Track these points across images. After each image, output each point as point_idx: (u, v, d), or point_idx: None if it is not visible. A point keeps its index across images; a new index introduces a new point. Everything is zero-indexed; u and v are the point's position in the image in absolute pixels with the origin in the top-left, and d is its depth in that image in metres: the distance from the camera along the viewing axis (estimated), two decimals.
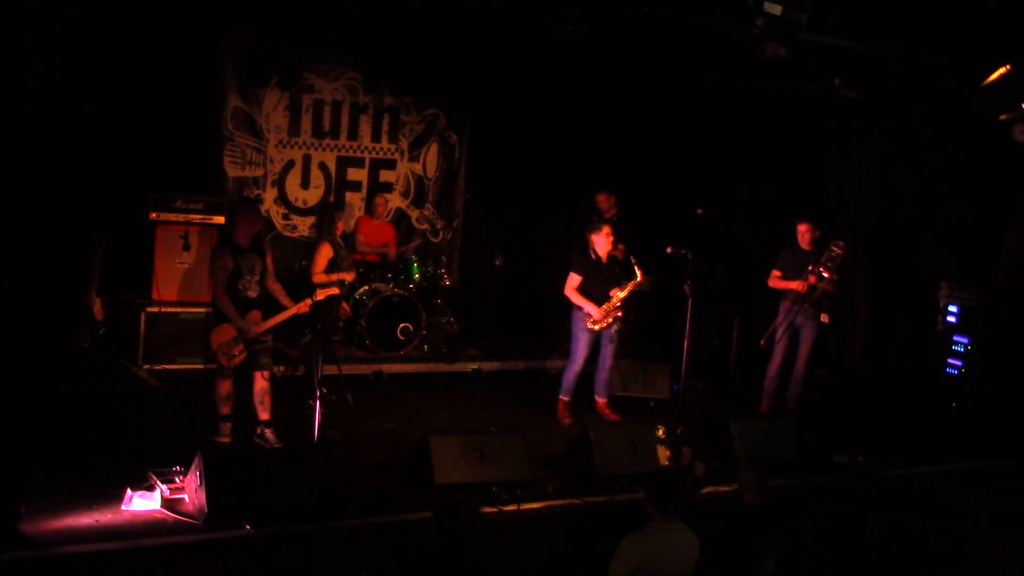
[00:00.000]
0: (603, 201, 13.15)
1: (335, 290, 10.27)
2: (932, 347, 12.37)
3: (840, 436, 11.21)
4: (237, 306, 9.25)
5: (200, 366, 11.60)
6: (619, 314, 10.95)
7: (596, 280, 10.94)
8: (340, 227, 10.91)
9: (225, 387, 9.44)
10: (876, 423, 12.00)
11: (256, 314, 9.34)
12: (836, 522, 8.63)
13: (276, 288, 9.55)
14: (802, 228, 11.74)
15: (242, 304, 9.28)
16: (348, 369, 11.30)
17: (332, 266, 10.55)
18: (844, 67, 11.72)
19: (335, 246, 10.66)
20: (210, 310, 11.67)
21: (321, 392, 9.21)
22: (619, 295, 10.87)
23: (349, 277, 10.76)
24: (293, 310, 9.43)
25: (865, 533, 8.53)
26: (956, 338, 12.10)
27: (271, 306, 9.54)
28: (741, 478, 7.50)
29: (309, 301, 9.57)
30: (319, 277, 10.90)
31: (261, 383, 9.49)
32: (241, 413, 9.64)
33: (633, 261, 11.02)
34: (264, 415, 9.51)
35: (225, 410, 9.49)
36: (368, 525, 8.16)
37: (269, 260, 9.55)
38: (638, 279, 10.95)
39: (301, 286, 10.56)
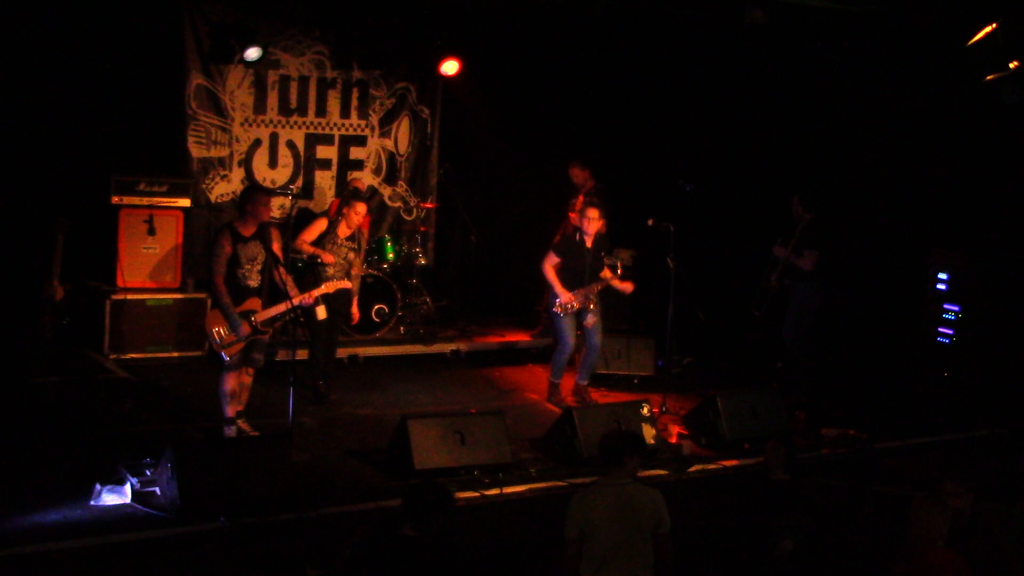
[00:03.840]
0: (577, 174, 13.06)
1: (347, 283, 10.16)
2: (922, 316, 12.38)
3: (830, 409, 11.23)
4: (236, 294, 9.04)
5: (170, 354, 11.54)
6: (591, 306, 10.88)
7: (575, 263, 10.88)
8: (354, 218, 10.66)
9: (230, 383, 9.18)
10: (866, 395, 12.03)
11: (256, 302, 9.15)
12: (828, 497, 8.65)
13: (286, 279, 9.22)
14: (793, 199, 11.78)
15: (241, 292, 9.08)
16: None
17: (319, 242, 10.49)
18: (827, 30, 11.69)
19: (332, 228, 10.55)
20: (179, 296, 11.75)
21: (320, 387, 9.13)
22: (595, 288, 10.84)
23: (328, 259, 10.54)
24: (296, 300, 9.18)
25: (858, 508, 8.55)
26: (947, 306, 12.11)
27: (278, 297, 9.27)
28: (769, 452, 7.45)
29: (315, 293, 9.51)
30: (303, 244, 10.65)
31: (245, 378, 9.36)
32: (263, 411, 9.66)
33: (618, 262, 11.00)
34: (238, 407, 9.39)
35: (231, 411, 9.21)
36: (347, 513, 8.15)
37: (277, 248, 9.23)
38: (608, 279, 10.88)
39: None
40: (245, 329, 9.02)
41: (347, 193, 12.04)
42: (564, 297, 10.79)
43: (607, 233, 11.45)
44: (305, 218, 13.12)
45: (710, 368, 12.88)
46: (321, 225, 10.62)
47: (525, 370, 12.62)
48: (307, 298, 9.40)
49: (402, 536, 5.91)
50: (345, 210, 10.70)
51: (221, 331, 9.04)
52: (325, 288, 9.63)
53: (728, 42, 12.79)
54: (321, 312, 10.25)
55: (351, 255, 10.79)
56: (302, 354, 10.02)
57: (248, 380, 9.39)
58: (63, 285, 10.85)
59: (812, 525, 7.25)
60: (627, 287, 10.98)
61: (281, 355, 11.08)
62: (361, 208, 10.72)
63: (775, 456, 7.38)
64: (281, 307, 9.14)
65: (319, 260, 10.51)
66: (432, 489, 6.16)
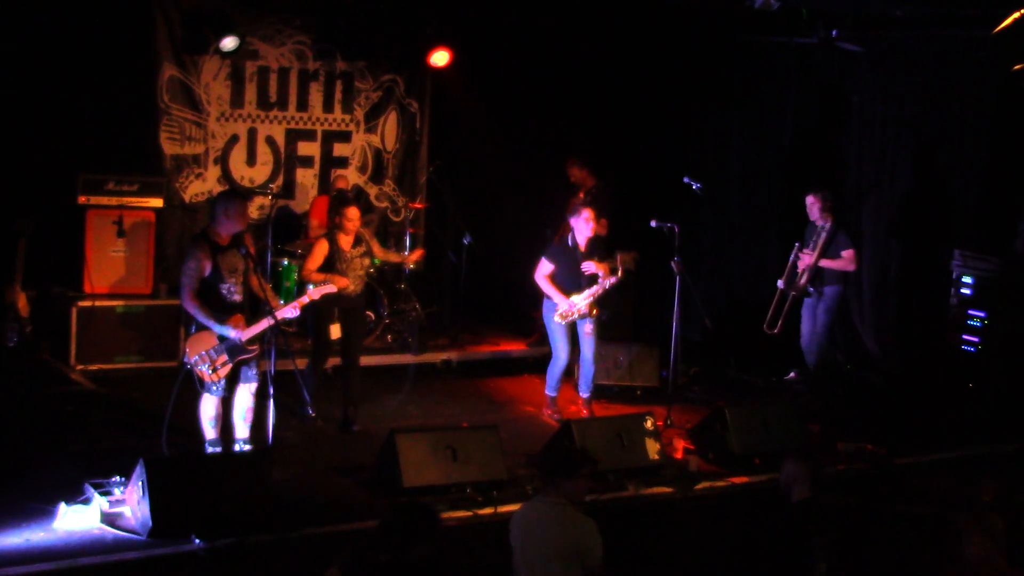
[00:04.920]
0: (575, 173, 13.04)
1: (332, 288, 9.69)
2: (945, 322, 12.36)
3: (846, 422, 11.21)
4: (221, 312, 8.76)
5: (142, 364, 11.48)
6: (594, 312, 10.83)
7: (571, 269, 10.82)
8: (348, 226, 10.27)
9: (213, 408, 9.01)
10: (886, 407, 12.01)
11: (240, 319, 8.86)
12: (843, 517, 8.61)
13: (266, 287, 9.06)
14: (808, 200, 11.74)
15: (226, 310, 8.81)
16: (304, 364, 11.22)
17: (328, 266, 10.16)
18: (842, 17, 11.68)
19: (334, 244, 10.19)
20: (150, 303, 11.67)
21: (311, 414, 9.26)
22: (598, 292, 10.76)
23: (342, 283, 10.01)
24: (282, 312, 9.00)
25: (875, 527, 8.51)
26: (972, 312, 12.09)
27: (259, 308, 9.08)
28: (787, 470, 7.42)
29: (302, 302, 9.30)
30: (311, 274, 10.18)
31: (247, 398, 9.17)
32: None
33: (619, 259, 10.93)
34: (245, 432, 9.24)
35: (212, 434, 9.07)
36: (331, 534, 8.10)
37: (252, 253, 9.03)
38: (618, 276, 10.82)
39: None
40: (235, 332, 8.76)
41: (333, 200, 11.92)
42: (564, 305, 10.73)
43: (608, 235, 11.43)
44: (285, 218, 13.13)
45: (718, 378, 12.85)
46: (323, 248, 10.21)
47: (521, 381, 12.58)
48: (292, 309, 9.21)
49: (376, 563, 5.80)
50: (337, 220, 10.38)
51: (211, 353, 8.83)
52: (309, 296, 9.49)
53: (738, 31, 12.77)
54: (335, 331, 10.09)
55: (365, 261, 10.48)
56: (283, 365, 9.94)
57: (252, 400, 9.20)
58: (26, 292, 10.82)
59: (843, 544, 7.21)
60: (602, 267, 10.78)
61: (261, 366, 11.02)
62: (353, 213, 10.32)
63: (797, 474, 7.34)
64: (264, 323, 8.88)
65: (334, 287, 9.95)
66: (415, 511, 6.08)
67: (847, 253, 11.60)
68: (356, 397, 10.54)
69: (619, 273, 10.82)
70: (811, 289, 11.86)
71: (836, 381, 12.40)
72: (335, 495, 8.83)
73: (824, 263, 11.69)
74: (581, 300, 10.73)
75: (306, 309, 9.48)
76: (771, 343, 12.40)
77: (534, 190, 14.12)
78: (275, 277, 12.16)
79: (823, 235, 11.71)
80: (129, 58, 12.19)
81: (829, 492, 8.74)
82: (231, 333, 8.78)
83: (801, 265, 11.89)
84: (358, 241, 10.44)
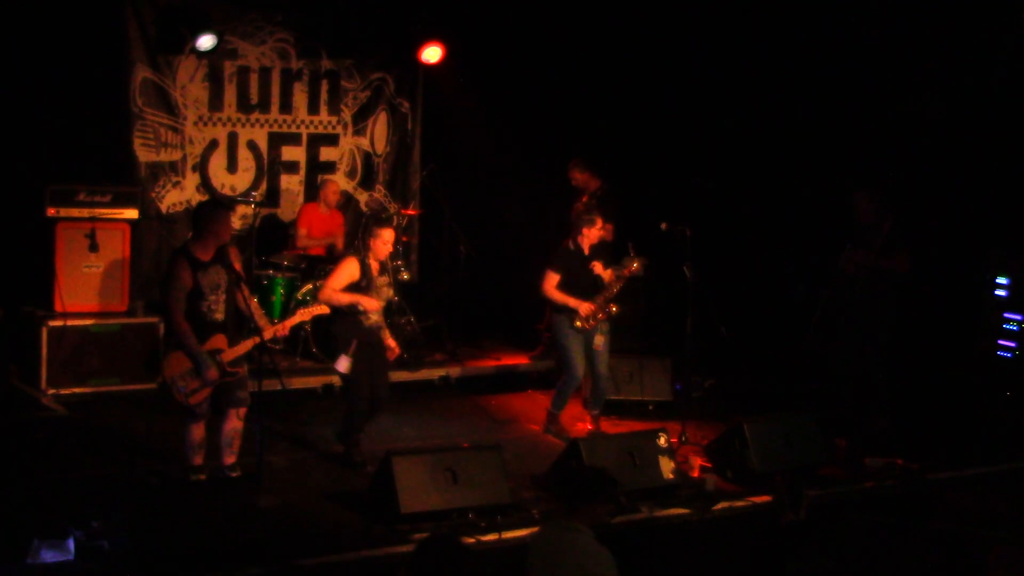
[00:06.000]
0: (578, 175, 13.02)
1: (324, 309, 9.60)
2: (979, 327, 12.33)
3: (875, 436, 11.18)
4: (200, 331, 8.81)
5: (116, 387, 11.45)
6: (613, 309, 10.85)
7: (579, 274, 10.84)
8: (382, 248, 9.88)
9: (197, 433, 9.05)
10: (917, 419, 11.97)
11: (221, 339, 8.92)
12: (874, 537, 8.60)
13: (251, 302, 9.07)
14: (857, 196, 11.68)
15: (206, 328, 8.86)
16: (294, 383, 11.23)
17: (354, 290, 9.93)
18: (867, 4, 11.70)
19: (365, 268, 9.82)
20: (126, 321, 11.63)
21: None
22: (613, 289, 10.79)
23: (373, 305, 9.75)
24: (270, 332, 9.02)
25: (908, 548, 8.50)
26: (1008, 315, 12.07)
27: (244, 326, 9.12)
28: (778, 491, 7.44)
29: (288, 323, 9.32)
30: (329, 293, 9.76)
31: (234, 422, 9.17)
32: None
33: (629, 246, 10.93)
34: (230, 459, 9.24)
35: (197, 460, 9.11)
36: (324, 565, 8.05)
37: (239, 269, 9.03)
38: (635, 266, 10.84)
39: None
40: (213, 374, 8.82)
41: (367, 219, 11.79)
42: (584, 307, 10.73)
43: (614, 240, 11.41)
44: (271, 228, 13.11)
45: (735, 391, 12.83)
46: (351, 268, 9.82)
47: (524, 397, 12.57)
48: (280, 329, 9.21)
49: None
50: (371, 241, 9.96)
51: (185, 377, 8.84)
52: (300, 316, 9.46)
53: (755, 15, 12.76)
54: (343, 365, 9.88)
55: (388, 292, 10.24)
56: (270, 384, 9.90)
57: (240, 424, 9.20)
58: None
59: (833, 572, 7.21)
60: (606, 273, 10.89)
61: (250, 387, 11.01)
62: (389, 235, 9.91)
63: (783, 495, 7.37)
64: (249, 343, 8.92)
65: (359, 308, 9.76)
66: (442, 544, 5.99)
67: (899, 252, 11.46)
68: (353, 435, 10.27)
69: (635, 265, 10.81)
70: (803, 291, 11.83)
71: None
72: (327, 523, 8.77)
73: (882, 263, 11.53)
74: (599, 301, 10.74)
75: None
76: (792, 352, 12.37)
77: (535, 194, 14.11)
78: (260, 291, 12.14)
79: (884, 234, 11.52)
80: (99, 59, 12.18)
81: (847, 512, 8.75)
82: (209, 375, 8.79)
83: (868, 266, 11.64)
84: (383, 270, 10.15)
